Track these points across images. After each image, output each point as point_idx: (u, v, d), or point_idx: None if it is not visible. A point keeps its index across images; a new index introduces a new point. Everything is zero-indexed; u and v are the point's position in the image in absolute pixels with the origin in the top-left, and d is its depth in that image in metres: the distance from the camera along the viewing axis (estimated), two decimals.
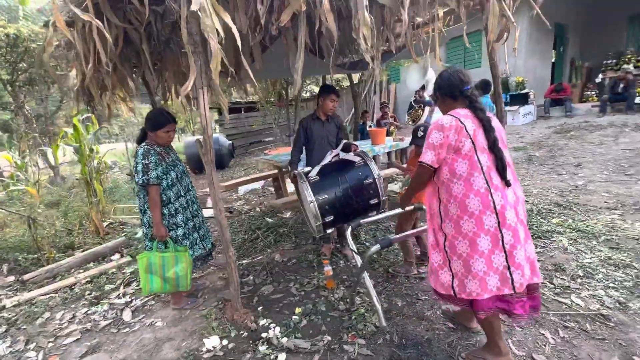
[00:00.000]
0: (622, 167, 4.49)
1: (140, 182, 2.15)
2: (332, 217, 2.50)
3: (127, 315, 2.55)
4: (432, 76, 5.52)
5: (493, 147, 1.48)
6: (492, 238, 1.44)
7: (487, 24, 2.29)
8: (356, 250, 2.12)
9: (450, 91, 1.60)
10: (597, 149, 5.45)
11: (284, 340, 2.02)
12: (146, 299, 2.75)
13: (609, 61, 9.03)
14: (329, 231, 2.75)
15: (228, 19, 1.58)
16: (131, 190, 7.75)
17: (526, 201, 3.47)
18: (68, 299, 2.90)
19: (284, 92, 8.51)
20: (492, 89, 4.13)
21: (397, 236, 1.98)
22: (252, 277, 2.91)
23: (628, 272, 2.26)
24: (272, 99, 8.63)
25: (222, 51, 1.63)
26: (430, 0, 2.25)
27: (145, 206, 2.27)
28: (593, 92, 9.46)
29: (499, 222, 1.44)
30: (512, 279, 1.43)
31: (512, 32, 2.31)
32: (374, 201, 2.59)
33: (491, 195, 1.45)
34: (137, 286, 3.00)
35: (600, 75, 9.19)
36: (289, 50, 2.36)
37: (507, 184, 1.49)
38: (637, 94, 7.05)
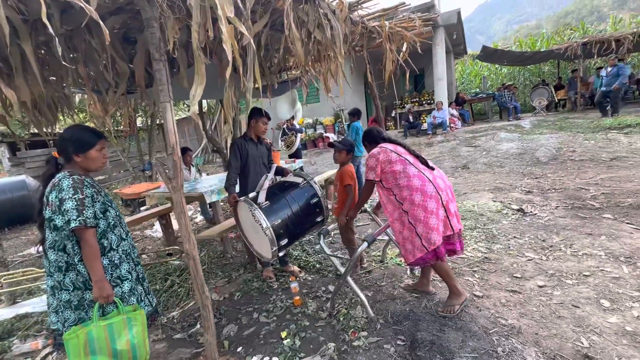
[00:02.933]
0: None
1: (73, 225, 1.52)
2: (286, 240, 2.51)
3: None
4: (299, 107, 6.34)
5: (412, 151, 2.28)
6: (435, 200, 2.07)
7: (385, 65, 3.09)
8: (335, 255, 2.29)
9: (375, 140, 2.45)
10: None
11: None
12: None
13: (396, 102, 12.91)
14: (281, 254, 2.73)
15: (243, 28, 1.53)
16: None
17: None
18: None
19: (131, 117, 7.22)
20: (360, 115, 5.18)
21: (378, 230, 2.32)
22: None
23: (478, 231, 3.47)
24: (120, 127, 7.13)
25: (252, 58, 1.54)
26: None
27: (76, 259, 1.61)
28: (391, 123, 13.23)
29: (435, 188, 2.09)
30: (451, 223, 2.12)
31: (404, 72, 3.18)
32: (319, 218, 2.77)
33: (423, 173, 2.14)
34: None
35: (394, 111, 13.00)
36: (223, 70, 2.34)
37: (432, 168, 2.24)
38: (421, 123, 10.44)
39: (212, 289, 3.01)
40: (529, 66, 14.42)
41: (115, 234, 1.77)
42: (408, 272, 2.81)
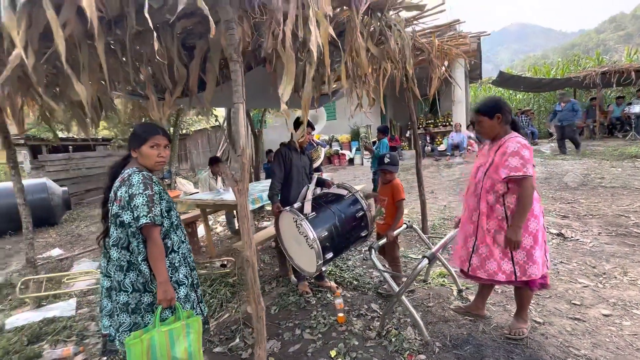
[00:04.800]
0: (455, 190, 6.50)
1: (143, 221, 1.46)
2: (331, 254, 2.42)
3: None
4: (324, 122, 6.44)
5: None
6: (542, 232, 1.90)
7: (431, 82, 3.08)
8: (389, 272, 2.18)
9: (509, 118, 1.92)
10: (433, 180, 7.62)
11: None
12: None
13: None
14: (324, 268, 2.61)
15: (331, 30, 1.51)
16: None
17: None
18: None
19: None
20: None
21: (438, 246, 2.20)
22: (238, 340, 2.34)
23: None
24: None
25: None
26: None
27: (139, 258, 1.54)
28: (405, 143, 13.26)
29: (542, 217, 1.92)
30: (547, 260, 1.96)
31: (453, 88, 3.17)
32: (364, 233, 2.68)
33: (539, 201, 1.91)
34: None
35: (408, 132, 13.05)
36: (277, 78, 2.32)
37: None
38: (436, 145, 10.43)
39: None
40: (543, 93, 14.52)
41: (177, 235, 1.70)
42: (455, 293, 2.68)
